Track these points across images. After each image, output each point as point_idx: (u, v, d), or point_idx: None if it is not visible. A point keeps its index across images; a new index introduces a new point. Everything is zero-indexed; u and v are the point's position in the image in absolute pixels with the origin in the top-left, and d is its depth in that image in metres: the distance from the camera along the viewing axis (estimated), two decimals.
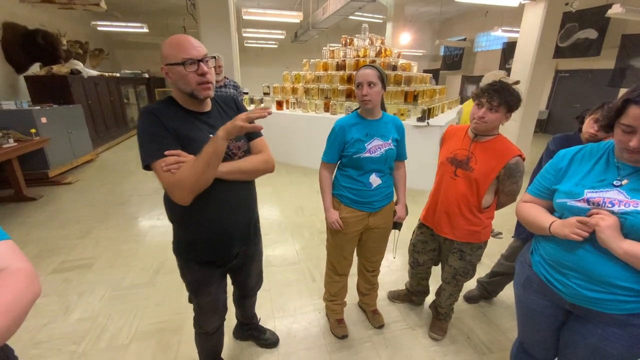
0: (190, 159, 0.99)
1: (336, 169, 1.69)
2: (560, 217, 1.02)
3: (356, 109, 1.63)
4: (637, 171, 0.90)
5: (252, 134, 1.23)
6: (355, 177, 1.58)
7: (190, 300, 1.33)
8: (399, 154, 1.67)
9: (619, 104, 0.88)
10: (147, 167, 1.01)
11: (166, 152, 0.98)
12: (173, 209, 1.13)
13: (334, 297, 1.88)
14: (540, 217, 1.07)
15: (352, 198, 1.60)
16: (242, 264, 1.39)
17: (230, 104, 1.24)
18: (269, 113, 0.97)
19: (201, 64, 1.01)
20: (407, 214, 1.77)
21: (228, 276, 1.43)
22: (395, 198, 1.76)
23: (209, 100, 1.14)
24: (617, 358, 0.97)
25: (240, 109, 1.24)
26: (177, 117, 1.05)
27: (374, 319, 1.96)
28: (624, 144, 0.88)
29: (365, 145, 1.53)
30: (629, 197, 0.88)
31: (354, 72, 4.96)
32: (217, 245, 1.19)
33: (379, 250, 1.80)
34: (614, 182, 0.92)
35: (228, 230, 1.18)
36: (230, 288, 1.47)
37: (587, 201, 0.93)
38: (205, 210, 1.11)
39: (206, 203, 1.08)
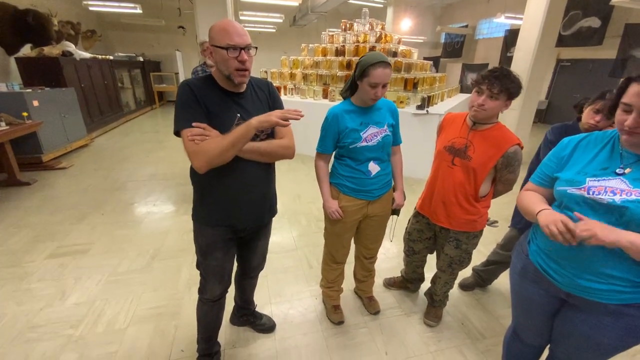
0: (216, 134, 1.10)
1: (333, 158, 1.66)
2: (558, 207, 1.01)
3: (348, 97, 1.57)
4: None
5: None
6: (354, 166, 1.55)
7: (197, 267, 1.40)
8: (395, 139, 1.65)
9: (622, 83, 0.88)
10: (177, 133, 1.13)
11: (194, 124, 1.09)
12: (195, 176, 1.23)
13: (331, 284, 1.89)
14: (532, 204, 1.04)
15: (352, 187, 1.58)
16: (250, 239, 1.47)
17: (263, 88, 1.30)
18: (302, 116, 1.07)
19: (242, 52, 1.09)
20: (405, 199, 1.76)
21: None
22: (392, 185, 1.76)
23: (244, 83, 1.22)
24: (610, 347, 0.98)
25: (272, 94, 1.31)
26: (211, 94, 1.15)
27: (370, 305, 1.98)
28: (621, 124, 0.87)
29: (361, 134, 1.49)
30: (631, 186, 0.87)
31: (354, 58, 4.90)
32: (229, 214, 1.27)
33: (377, 237, 1.80)
34: (617, 170, 0.91)
35: (240, 202, 1.27)
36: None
37: (588, 190, 0.92)
38: (222, 181, 1.21)
39: (224, 175, 1.19)
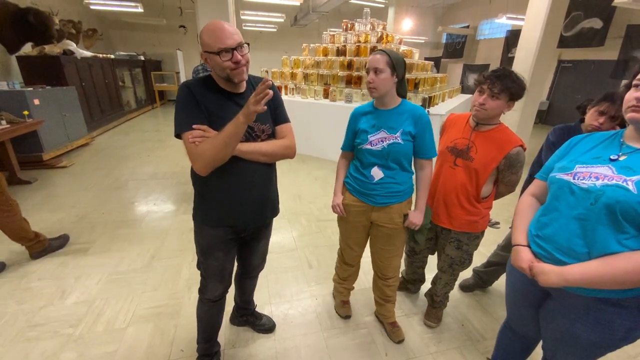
0: (214, 134, 1.08)
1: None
2: (551, 193, 1.02)
3: None
4: (637, 151, 0.90)
5: (279, 119, 1.30)
6: (360, 168, 1.55)
7: (198, 266, 1.40)
8: (420, 151, 1.47)
9: (637, 68, 0.91)
10: (177, 136, 1.13)
11: (194, 126, 1.08)
12: (196, 176, 1.22)
13: (342, 281, 1.89)
14: (517, 226, 1.11)
15: (356, 187, 1.57)
16: (251, 239, 1.46)
17: None
18: (269, 86, 0.98)
19: (235, 52, 1.06)
20: (422, 222, 1.55)
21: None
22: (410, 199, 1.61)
23: (244, 82, 1.21)
24: (586, 340, 0.99)
25: (273, 92, 1.26)
26: (211, 95, 1.14)
27: (393, 333, 1.80)
28: (630, 101, 0.88)
29: (368, 136, 1.47)
30: (615, 172, 0.88)
31: (355, 58, 4.89)
32: (230, 214, 1.26)
33: (386, 253, 1.64)
34: (611, 156, 0.92)
35: (241, 203, 1.26)
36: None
37: (575, 175, 0.94)
38: (223, 181, 1.20)
39: (224, 176, 1.18)
